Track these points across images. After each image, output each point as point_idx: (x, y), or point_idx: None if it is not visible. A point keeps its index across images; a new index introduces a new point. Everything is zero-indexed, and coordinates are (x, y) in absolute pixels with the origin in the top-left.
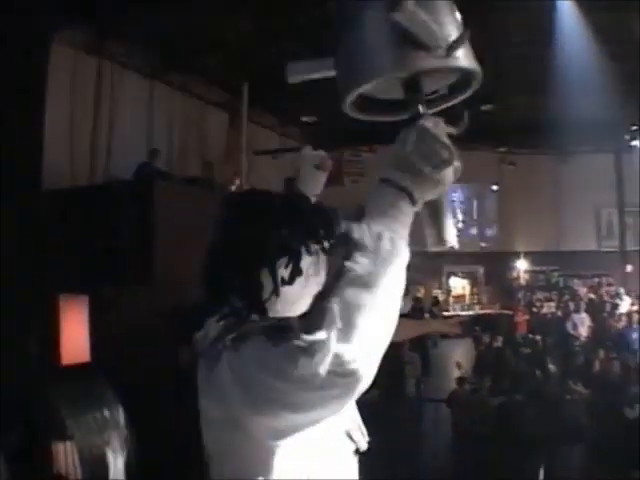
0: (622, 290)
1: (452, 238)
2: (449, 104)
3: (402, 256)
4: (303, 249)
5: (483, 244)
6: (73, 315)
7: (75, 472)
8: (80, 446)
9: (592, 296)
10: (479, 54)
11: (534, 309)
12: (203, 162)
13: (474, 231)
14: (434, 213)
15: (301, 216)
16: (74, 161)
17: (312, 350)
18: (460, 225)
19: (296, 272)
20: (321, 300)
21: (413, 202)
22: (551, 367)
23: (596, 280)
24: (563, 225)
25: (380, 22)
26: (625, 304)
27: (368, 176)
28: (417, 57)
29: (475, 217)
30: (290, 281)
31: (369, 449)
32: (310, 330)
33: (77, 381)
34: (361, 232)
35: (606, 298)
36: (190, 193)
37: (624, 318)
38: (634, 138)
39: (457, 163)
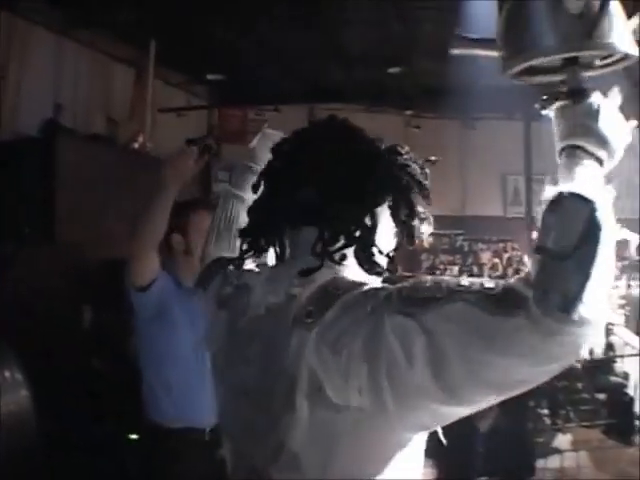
0: (526, 257)
1: None
2: (595, 74)
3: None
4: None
5: None
6: None
7: None
8: None
9: (496, 261)
10: (387, 16)
11: (437, 272)
12: (107, 119)
13: None
14: None
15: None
16: None
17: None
18: None
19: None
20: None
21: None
22: None
23: (501, 245)
24: (469, 190)
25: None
26: None
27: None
28: (594, 38)
29: None
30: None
31: None
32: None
33: None
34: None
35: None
36: (93, 150)
37: None
38: (544, 107)
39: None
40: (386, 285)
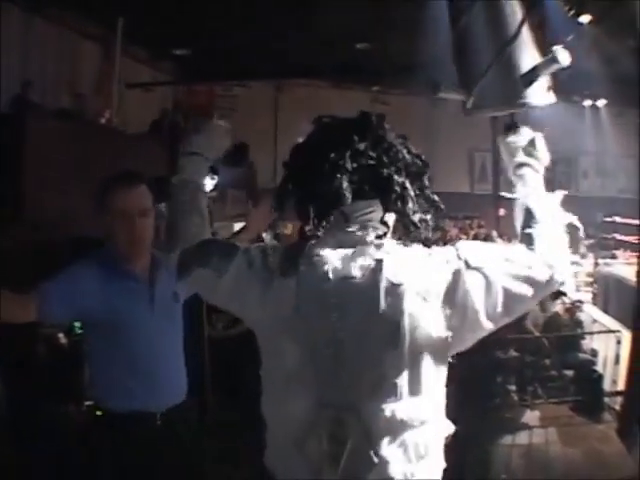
0: (494, 233)
1: None
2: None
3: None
4: None
5: None
6: None
7: None
8: None
9: (463, 237)
10: None
11: None
12: (75, 94)
13: None
14: None
15: None
16: None
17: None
18: None
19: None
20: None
21: None
22: None
23: (467, 222)
24: (435, 166)
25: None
26: None
27: (239, 111)
28: (534, 95)
29: None
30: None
31: None
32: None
33: None
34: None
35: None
36: (62, 126)
37: None
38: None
39: None
40: (449, 247)
